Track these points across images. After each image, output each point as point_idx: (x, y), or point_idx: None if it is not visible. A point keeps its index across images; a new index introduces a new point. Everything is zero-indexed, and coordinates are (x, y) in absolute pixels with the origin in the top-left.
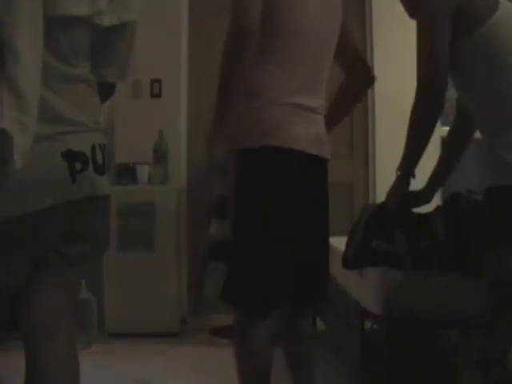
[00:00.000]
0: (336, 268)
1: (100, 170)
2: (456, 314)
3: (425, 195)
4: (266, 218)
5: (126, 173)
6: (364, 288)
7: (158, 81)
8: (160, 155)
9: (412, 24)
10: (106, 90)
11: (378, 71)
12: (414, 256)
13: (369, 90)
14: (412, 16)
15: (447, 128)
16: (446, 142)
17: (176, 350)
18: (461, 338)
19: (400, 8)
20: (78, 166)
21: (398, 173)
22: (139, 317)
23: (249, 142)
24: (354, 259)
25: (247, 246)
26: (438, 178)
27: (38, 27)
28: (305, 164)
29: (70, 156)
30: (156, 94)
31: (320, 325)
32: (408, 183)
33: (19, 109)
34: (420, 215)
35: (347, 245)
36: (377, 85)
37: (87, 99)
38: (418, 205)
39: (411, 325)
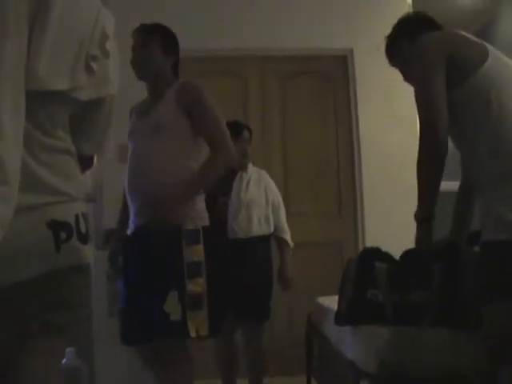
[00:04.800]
0: (329, 327)
1: (84, 238)
2: (447, 371)
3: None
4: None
5: None
6: (357, 347)
7: None
8: None
9: (395, 84)
10: (84, 162)
11: (363, 132)
12: (400, 309)
13: (355, 150)
14: (406, 78)
15: None
16: (457, 195)
17: None
18: None
19: (383, 67)
20: (63, 235)
21: (418, 219)
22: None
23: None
24: (348, 313)
25: None
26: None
27: (21, 102)
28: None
29: (55, 226)
30: None
31: None
32: (431, 226)
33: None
34: (420, 261)
35: (339, 300)
36: (363, 145)
37: (71, 169)
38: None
39: (405, 383)
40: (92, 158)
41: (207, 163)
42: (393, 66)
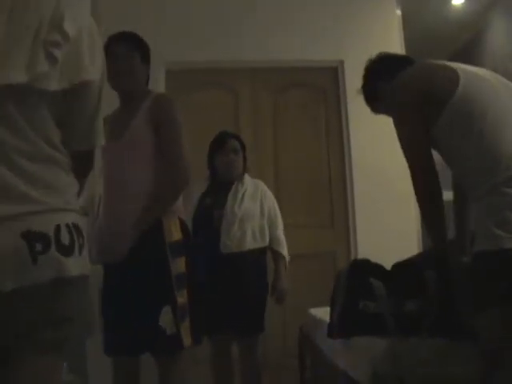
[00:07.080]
0: (321, 338)
1: (66, 250)
2: (445, 382)
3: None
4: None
5: None
6: (351, 358)
7: None
8: None
9: None
10: (81, 162)
11: (355, 144)
12: (399, 320)
13: (347, 161)
14: (387, 113)
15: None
16: (453, 206)
17: None
18: None
19: None
20: (39, 246)
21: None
22: None
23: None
24: (340, 324)
25: None
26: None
27: None
28: None
29: (29, 236)
30: None
31: None
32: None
33: None
34: (415, 270)
35: (331, 312)
36: (354, 156)
37: (56, 180)
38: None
39: None
40: (88, 157)
41: (161, 191)
42: (378, 112)
